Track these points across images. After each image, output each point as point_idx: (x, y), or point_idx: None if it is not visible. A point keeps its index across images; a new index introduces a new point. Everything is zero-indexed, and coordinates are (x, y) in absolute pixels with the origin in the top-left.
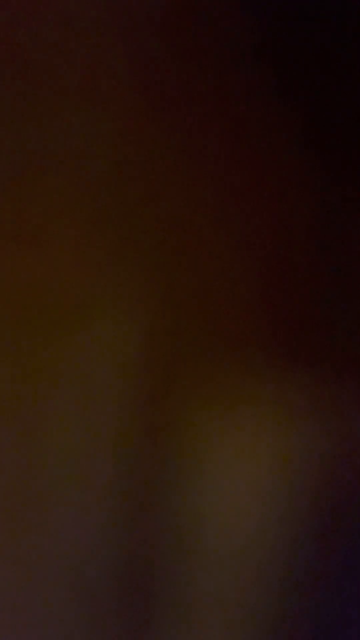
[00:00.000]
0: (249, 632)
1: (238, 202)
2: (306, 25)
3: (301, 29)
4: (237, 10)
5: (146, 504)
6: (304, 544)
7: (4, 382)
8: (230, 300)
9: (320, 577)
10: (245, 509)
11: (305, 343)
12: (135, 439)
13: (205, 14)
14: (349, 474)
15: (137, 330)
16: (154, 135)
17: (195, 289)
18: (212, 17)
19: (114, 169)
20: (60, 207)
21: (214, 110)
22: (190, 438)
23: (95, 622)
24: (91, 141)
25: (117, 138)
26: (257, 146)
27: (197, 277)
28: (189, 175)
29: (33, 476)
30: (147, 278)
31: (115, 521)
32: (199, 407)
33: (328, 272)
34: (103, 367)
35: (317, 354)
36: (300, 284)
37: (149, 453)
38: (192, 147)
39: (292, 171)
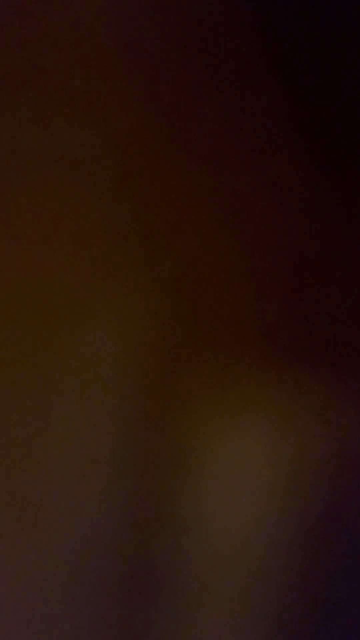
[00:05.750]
0: (250, 630)
1: (238, 203)
2: (308, 27)
3: (303, 31)
4: (239, 13)
5: (146, 504)
6: (304, 543)
7: (2, 382)
8: (230, 301)
9: (321, 576)
10: (245, 508)
11: (305, 344)
12: (135, 439)
13: (206, 17)
14: (349, 474)
15: (136, 330)
16: (154, 136)
17: (195, 290)
18: (213, 21)
19: (114, 170)
20: (59, 207)
21: (215, 114)
22: (190, 438)
23: (94, 620)
24: (92, 141)
25: (117, 138)
26: (257, 149)
27: (197, 278)
28: (190, 176)
29: (32, 476)
30: (146, 278)
31: (115, 520)
32: (198, 407)
33: (328, 273)
34: (102, 367)
35: (317, 354)
36: (300, 285)
37: (148, 453)
38: (193, 148)
39: (293, 174)
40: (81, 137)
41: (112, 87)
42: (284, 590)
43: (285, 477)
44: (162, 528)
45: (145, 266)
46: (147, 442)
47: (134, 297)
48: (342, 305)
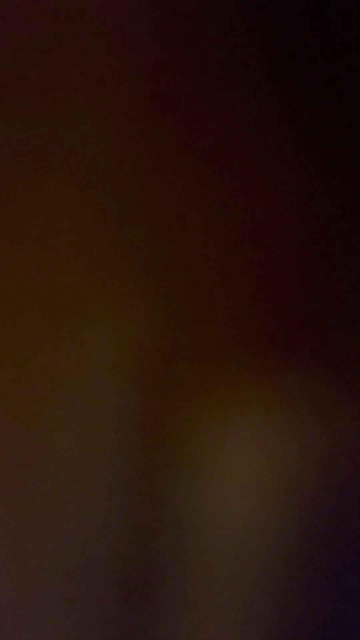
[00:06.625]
0: (250, 631)
1: (237, 203)
2: (308, 28)
3: (303, 31)
4: (239, 12)
5: (146, 504)
6: (304, 543)
7: (3, 382)
8: (230, 300)
9: (321, 576)
10: (245, 508)
11: (304, 344)
12: (135, 439)
13: (206, 17)
14: (348, 473)
15: (136, 330)
16: (154, 136)
17: (194, 290)
18: (213, 20)
19: (114, 170)
20: (60, 208)
21: (214, 111)
22: (190, 437)
23: (95, 621)
24: (92, 142)
25: (117, 138)
26: (257, 148)
27: (197, 278)
28: (189, 177)
29: (32, 476)
30: (146, 278)
31: (115, 521)
32: (198, 407)
33: (327, 272)
34: (102, 366)
35: (317, 354)
36: (299, 284)
37: (148, 453)
38: (193, 148)
39: (293, 175)
40: (82, 138)
41: (113, 88)
42: (284, 590)
43: (285, 477)
44: (162, 528)
45: (146, 266)
46: (147, 442)
47: (134, 297)
48: (342, 305)
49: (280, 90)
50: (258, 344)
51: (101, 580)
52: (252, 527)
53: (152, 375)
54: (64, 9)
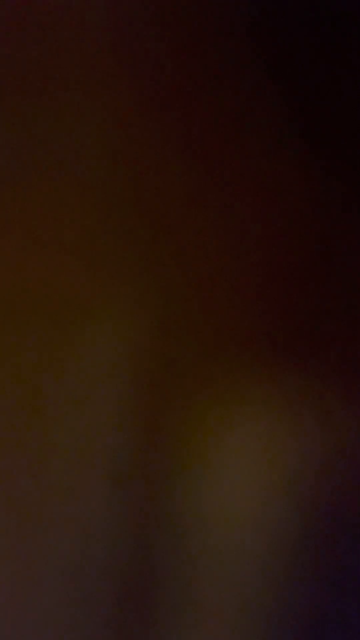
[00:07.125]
0: (250, 631)
1: (237, 203)
2: (308, 27)
3: (303, 31)
4: (239, 12)
5: (146, 504)
6: (304, 543)
7: (3, 381)
8: (230, 300)
9: (321, 576)
10: (245, 508)
11: (304, 344)
12: (135, 439)
13: (206, 17)
14: (348, 473)
15: (136, 330)
16: (154, 136)
17: (194, 290)
18: (213, 20)
19: (114, 170)
20: (60, 207)
21: (214, 112)
22: (190, 437)
23: (95, 621)
24: (92, 142)
25: (117, 138)
26: (257, 147)
27: (197, 278)
28: (190, 177)
29: (32, 477)
30: (146, 278)
31: (115, 521)
32: (198, 407)
33: (327, 272)
34: (102, 367)
35: (317, 354)
36: (299, 284)
37: (148, 453)
38: (193, 148)
39: (293, 175)
40: (82, 138)
41: (113, 87)
42: (284, 590)
43: (285, 477)
44: (162, 528)
45: (146, 267)
46: (147, 442)
47: (134, 297)
48: (342, 305)
49: (280, 90)
50: (258, 344)
51: (101, 580)
52: (252, 527)
53: (152, 375)
54: (64, 8)
